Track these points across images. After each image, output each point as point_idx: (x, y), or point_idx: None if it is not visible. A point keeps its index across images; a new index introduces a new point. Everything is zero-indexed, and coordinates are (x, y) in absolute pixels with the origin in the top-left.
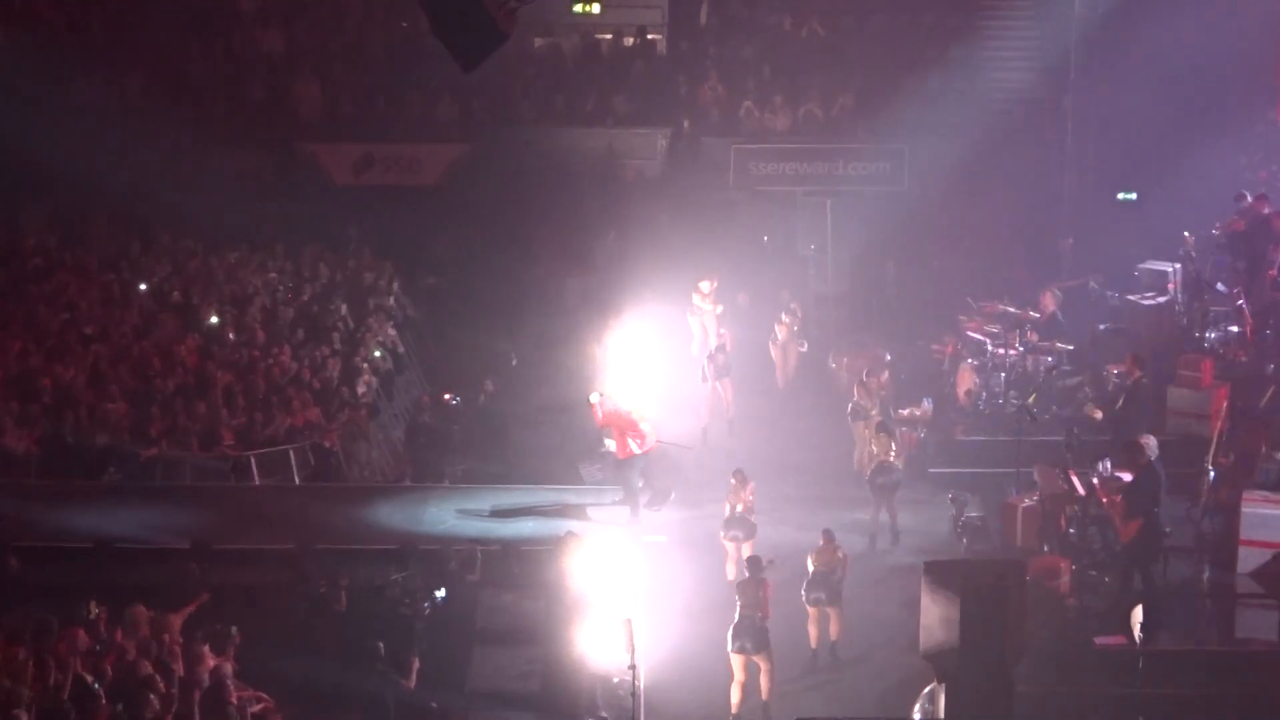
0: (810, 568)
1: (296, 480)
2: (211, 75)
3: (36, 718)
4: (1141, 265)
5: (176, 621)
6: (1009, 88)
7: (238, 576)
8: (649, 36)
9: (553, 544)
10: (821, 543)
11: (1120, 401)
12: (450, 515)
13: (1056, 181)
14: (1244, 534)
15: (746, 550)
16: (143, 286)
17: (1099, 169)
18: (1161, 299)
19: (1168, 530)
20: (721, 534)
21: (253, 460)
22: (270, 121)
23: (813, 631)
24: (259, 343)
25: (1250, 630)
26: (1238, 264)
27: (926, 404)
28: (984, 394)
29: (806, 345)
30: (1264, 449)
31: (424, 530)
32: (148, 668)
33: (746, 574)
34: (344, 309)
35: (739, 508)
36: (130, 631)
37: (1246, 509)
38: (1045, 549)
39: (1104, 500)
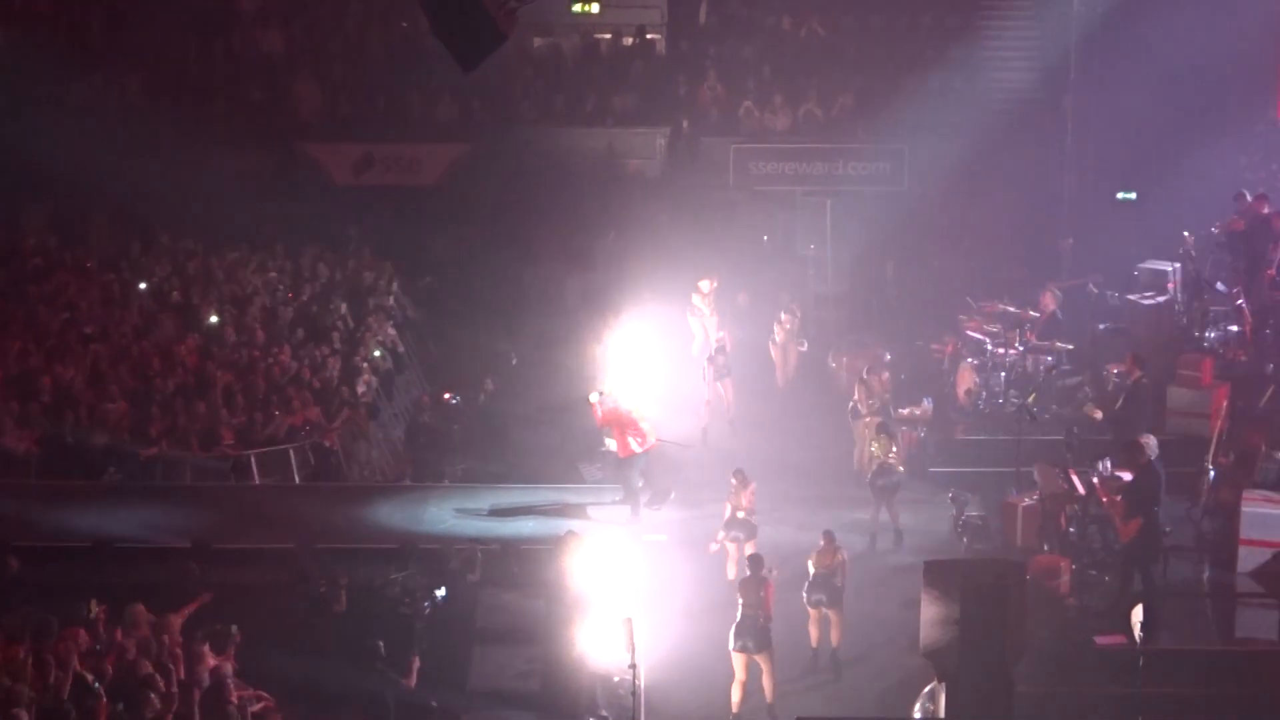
0: (811, 570)
1: (296, 480)
2: (211, 75)
3: (36, 717)
4: (1141, 265)
5: (177, 621)
6: (1009, 88)
7: (238, 576)
8: (648, 36)
9: (553, 543)
10: (822, 544)
11: (1120, 401)
12: (450, 515)
13: (1056, 181)
14: (1244, 533)
15: (748, 549)
16: (143, 286)
17: (1099, 169)
18: (1161, 299)
19: (1168, 530)
20: (722, 534)
21: (253, 460)
22: (270, 121)
23: (813, 632)
24: (259, 342)
25: (1250, 630)
26: (1237, 263)
27: (926, 404)
28: (984, 394)
29: (806, 345)
30: (1264, 448)
31: (424, 530)
32: (148, 667)
33: (748, 572)
34: (344, 309)
35: (740, 514)
36: (130, 631)
37: (1246, 509)
38: (1045, 548)
39: (1104, 500)
